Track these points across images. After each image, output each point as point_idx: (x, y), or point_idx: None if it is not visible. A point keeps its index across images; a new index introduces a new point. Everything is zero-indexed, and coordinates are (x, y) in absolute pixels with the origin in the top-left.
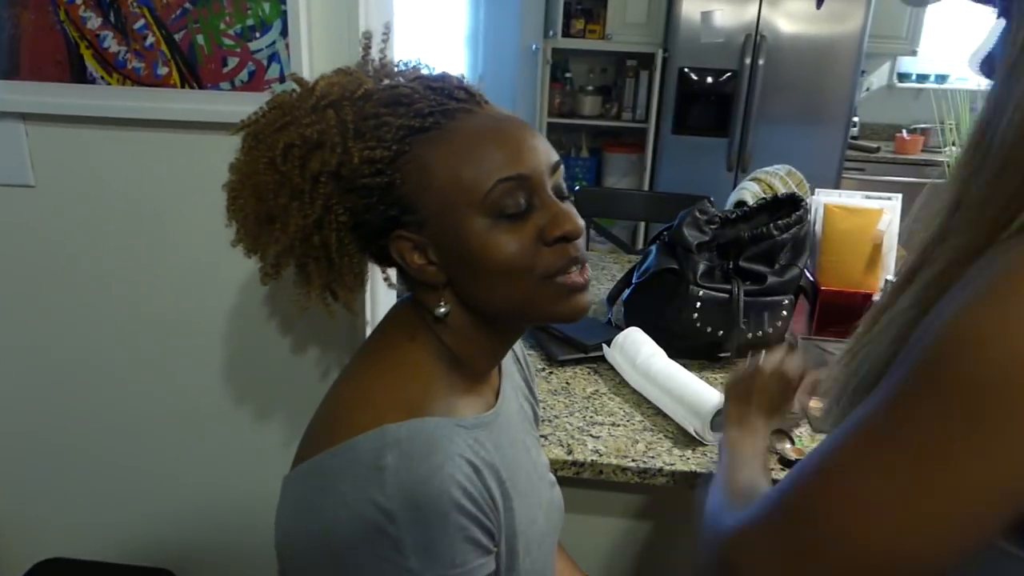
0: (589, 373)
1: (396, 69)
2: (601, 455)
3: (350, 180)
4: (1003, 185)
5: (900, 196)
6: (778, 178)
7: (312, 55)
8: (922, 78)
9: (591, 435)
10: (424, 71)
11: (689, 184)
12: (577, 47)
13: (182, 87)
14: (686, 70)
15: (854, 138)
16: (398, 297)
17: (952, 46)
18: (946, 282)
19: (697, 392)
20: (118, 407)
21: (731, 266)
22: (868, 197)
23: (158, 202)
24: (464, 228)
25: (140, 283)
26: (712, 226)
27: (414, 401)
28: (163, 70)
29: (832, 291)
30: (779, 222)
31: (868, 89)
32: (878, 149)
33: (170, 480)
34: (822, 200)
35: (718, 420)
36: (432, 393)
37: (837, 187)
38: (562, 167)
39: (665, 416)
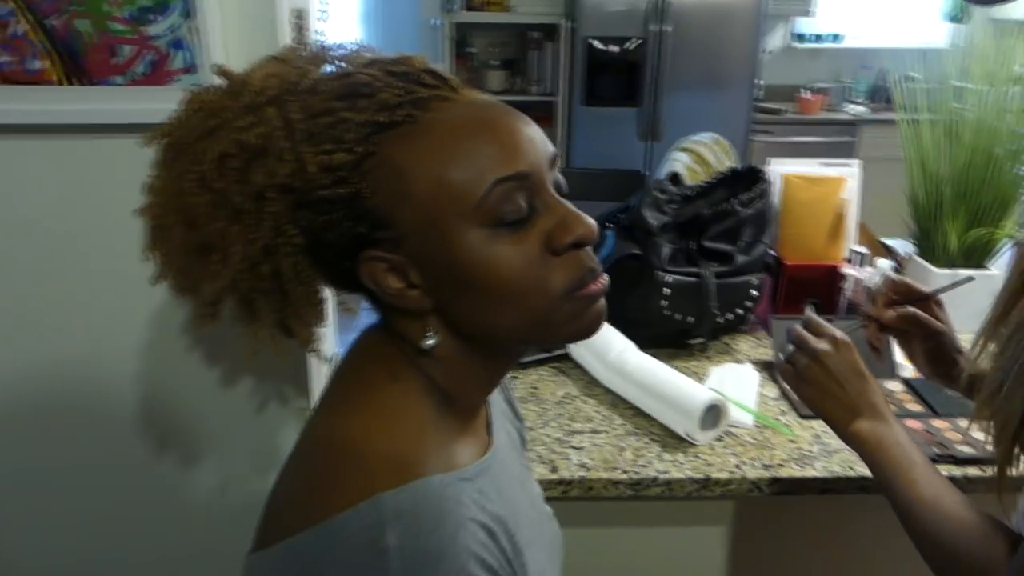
0: (555, 374)
1: (337, 53)
2: (588, 469)
3: (304, 193)
4: None
5: (859, 162)
6: (705, 146)
7: (226, 40)
8: (818, 38)
9: (572, 446)
10: (372, 54)
11: (602, 157)
12: (479, 20)
13: (64, 83)
14: (592, 40)
15: (758, 100)
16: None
17: (846, 6)
18: None
19: (682, 390)
20: (14, 471)
21: (695, 247)
22: (826, 164)
23: (44, 221)
24: (455, 243)
25: (25, 319)
26: (672, 205)
27: (408, 458)
28: (38, 64)
29: (797, 265)
30: (742, 197)
31: (766, 51)
32: (782, 111)
33: (79, 540)
34: (780, 171)
35: (708, 418)
36: (427, 444)
37: (746, 151)
38: (559, 159)
39: (647, 416)
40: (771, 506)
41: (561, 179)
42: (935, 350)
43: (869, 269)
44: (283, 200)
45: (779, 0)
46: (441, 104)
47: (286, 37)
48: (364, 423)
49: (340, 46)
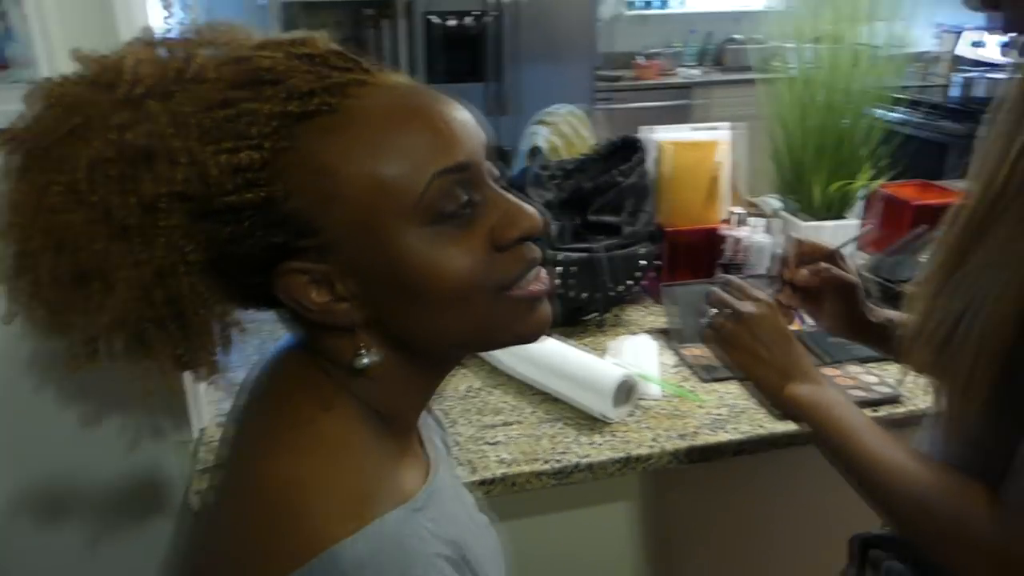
0: (454, 368)
1: (218, 34)
2: (509, 464)
3: (204, 201)
4: None
5: (728, 124)
6: (563, 119)
7: (46, 22)
8: (647, 4)
9: (487, 442)
10: (258, 33)
11: None
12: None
13: None
14: (431, 15)
15: (597, 69)
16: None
17: None
18: None
19: (592, 370)
20: None
21: (580, 222)
22: (696, 129)
23: None
24: (393, 245)
25: None
26: (554, 181)
27: (357, 498)
28: None
29: (678, 231)
30: (622, 167)
31: (599, 20)
32: (621, 78)
33: None
34: (654, 138)
35: (620, 394)
36: (373, 478)
37: (591, 120)
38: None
39: (556, 401)
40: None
41: (493, 167)
42: (845, 303)
43: (747, 229)
44: (178, 211)
45: None
46: (360, 90)
47: (130, 21)
48: (300, 464)
49: (216, 25)
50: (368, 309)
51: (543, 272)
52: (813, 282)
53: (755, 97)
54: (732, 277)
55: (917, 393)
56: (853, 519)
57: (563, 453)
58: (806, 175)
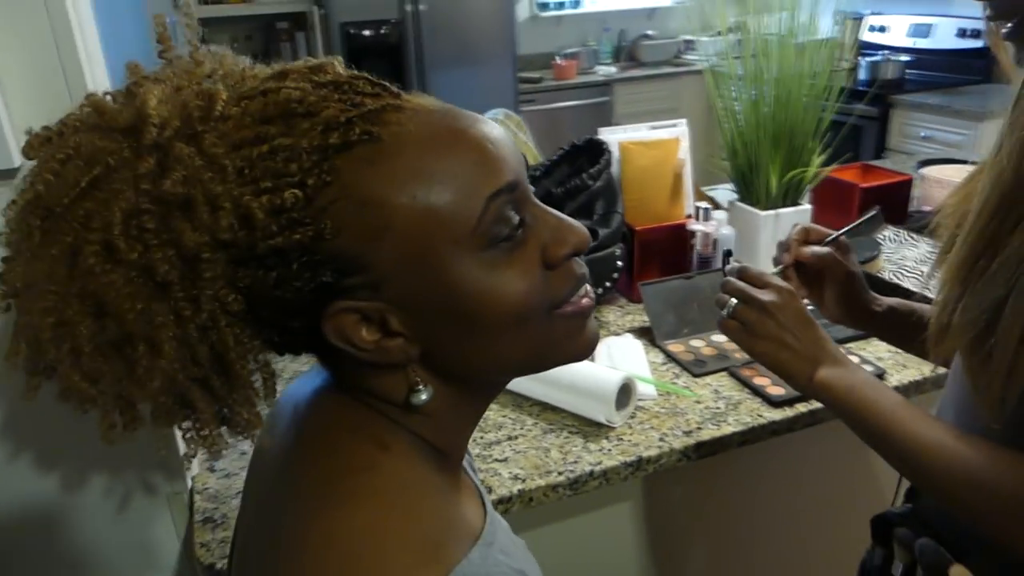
0: None
1: (213, 65)
2: (523, 480)
3: (248, 247)
4: None
5: (684, 120)
6: (499, 123)
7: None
8: (560, 5)
9: (496, 459)
10: (257, 62)
11: None
12: (217, 14)
13: None
14: (347, 25)
15: (518, 71)
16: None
17: None
18: None
19: (591, 376)
20: None
21: None
22: (654, 127)
23: None
24: (451, 275)
25: None
26: None
27: (434, 540)
28: None
29: (646, 229)
30: (591, 170)
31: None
32: (541, 79)
33: None
34: (614, 139)
35: (621, 399)
36: (445, 518)
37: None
38: None
39: (555, 410)
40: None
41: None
42: (847, 292)
43: (713, 222)
44: (221, 260)
45: None
46: (396, 115)
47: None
48: (369, 512)
49: (210, 54)
50: (422, 342)
51: (588, 287)
52: (816, 261)
53: (673, 91)
54: (746, 264)
55: (899, 369)
56: (859, 499)
57: (574, 463)
58: (762, 166)
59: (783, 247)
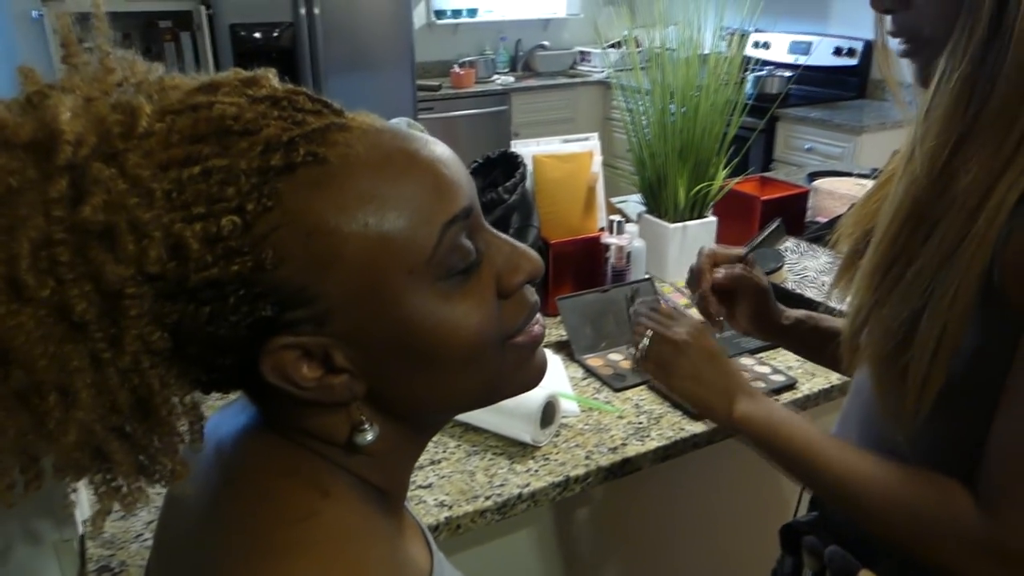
0: None
1: (124, 72)
2: (449, 507)
3: (178, 281)
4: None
5: (596, 134)
6: None
7: None
8: (456, 13)
9: (420, 486)
10: (182, 74)
11: None
12: (90, 10)
13: None
14: (237, 27)
15: (416, 78)
16: None
17: None
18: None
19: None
20: None
21: None
22: (566, 141)
23: None
24: (405, 307)
25: None
26: None
27: None
28: None
29: (561, 243)
30: (507, 184)
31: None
32: (439, 87)
33: None
34: (527, 152)
35: (545, 417)
36: (393, 566)
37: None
38: None
39: (478, 430)
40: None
41: None
42: (758, 306)
43: (626, 236)
44: (147, 295)
45: None
46: (343, 136)
47: None
48: (314, 563)
49: (118, 59)
50: (368, 379)
51: (539, 315)
52: (729, 283)
53: (570, 101)
54: (656, 300)
55: (808, 378)
56: (770, 509)
57: (501, 486)
58: (669, 180)
59: (694, 274)
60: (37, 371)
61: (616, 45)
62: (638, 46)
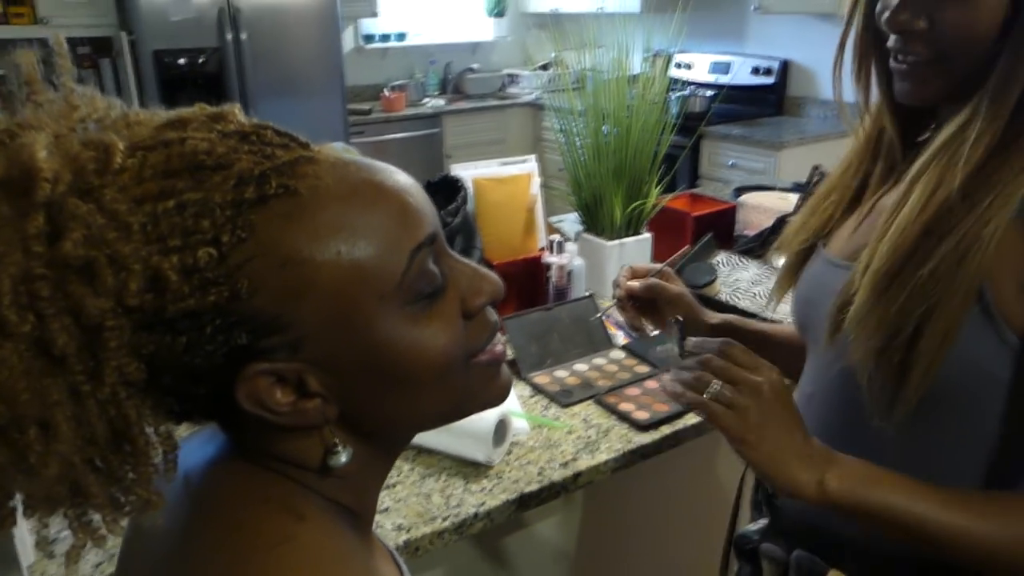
0: None
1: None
2: (407, 530)
3: (155, 312)
4: None
5: (534, 156)
6: None
7: None
8: (385, 38)
9: (378, 511)
10: (139, 108)
11: None
12: (1, 35)
13: None
14: (161, 53)
15: (347, 103)
16: None
17: (407, 6)
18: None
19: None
20: None
21: None
22: (504, 163)
23: None
24: (376, 332)
25: None
26: None
27: None
28: None
29: (503, 264)
30: (449, 207)
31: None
32: (370, 110)
33: None
34: (467, 175)
35: (497, 436)
36: None
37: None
38: None
39: (431, 452)
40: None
41: None
42: (682, 311)
43: (567, 255)
44: (126, 327)
45: (345, 2)
46: (312, 168)
47: None
48: None
49: (80, 95)
50: (340, 402)
51: (500, 334)
52: (646, 292)
53: (500, 123)
54: (730, 342)
55: None
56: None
57: (457, 506)
58: (605, 199)
59: (615, 286)
60: (19, 405)
61: (544, 67)
62: (567, 68)
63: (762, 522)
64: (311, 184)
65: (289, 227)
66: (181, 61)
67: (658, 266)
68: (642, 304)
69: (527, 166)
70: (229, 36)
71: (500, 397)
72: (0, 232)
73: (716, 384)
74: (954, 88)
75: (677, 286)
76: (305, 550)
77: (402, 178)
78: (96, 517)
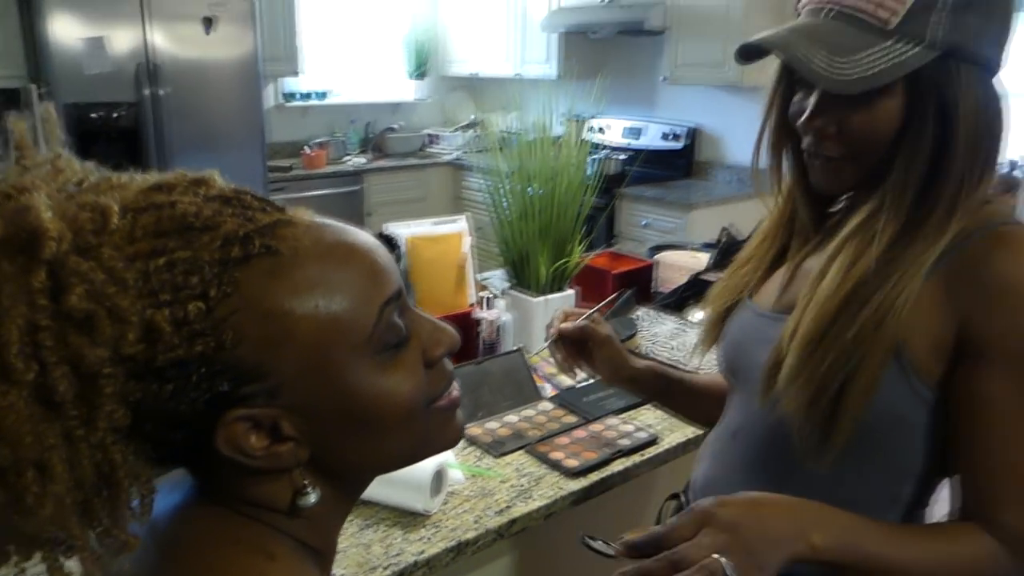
0: None
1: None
2: None
3: (146, 361)
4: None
5: (465, 216)
6: None
7: None
8: (306, 96)
9: None
10: (122, 172)
11: None
12: None
13: None
14: (75, 107)
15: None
16: None
17: (329, 65)
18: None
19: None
20: None
21: None
22: (437, 223)
23: None
24: (348, 380)
25: None
26: None
27: None
28: None
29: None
30: None
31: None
32: (291, 167)
33: None
34: (400, 233)
35: (434, 486)
36: None
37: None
38: None
39: (368, 503)
40: None
41: None
42: (609, 352)
43: (496, 310)
44: (120, 375)
45: (268, 61)
46: (290, 230)
47: None
48: None
49: (62, 160)
50: (311, 445)
51: (455, 382)
52: (577, 333)
53: (421, 181)
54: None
55: (668, 433)
56: None
57: (397, 555)
58: (532, 257)
59: (549, 326)
60: (23, 448)
61: (465, 128)
62: (485, 129)
63: None
64: (290, 244)
65: (271, 283)
66: (94, 115)
67: (589, 311)
68: (573, 346)
69: (459, 225)
70: (147, 91)
71: (455, 440)
72: (4, 287)
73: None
74: (862, 179)
75: (605, 330)
76: None
77: (370, 239)
78: (68, 563)
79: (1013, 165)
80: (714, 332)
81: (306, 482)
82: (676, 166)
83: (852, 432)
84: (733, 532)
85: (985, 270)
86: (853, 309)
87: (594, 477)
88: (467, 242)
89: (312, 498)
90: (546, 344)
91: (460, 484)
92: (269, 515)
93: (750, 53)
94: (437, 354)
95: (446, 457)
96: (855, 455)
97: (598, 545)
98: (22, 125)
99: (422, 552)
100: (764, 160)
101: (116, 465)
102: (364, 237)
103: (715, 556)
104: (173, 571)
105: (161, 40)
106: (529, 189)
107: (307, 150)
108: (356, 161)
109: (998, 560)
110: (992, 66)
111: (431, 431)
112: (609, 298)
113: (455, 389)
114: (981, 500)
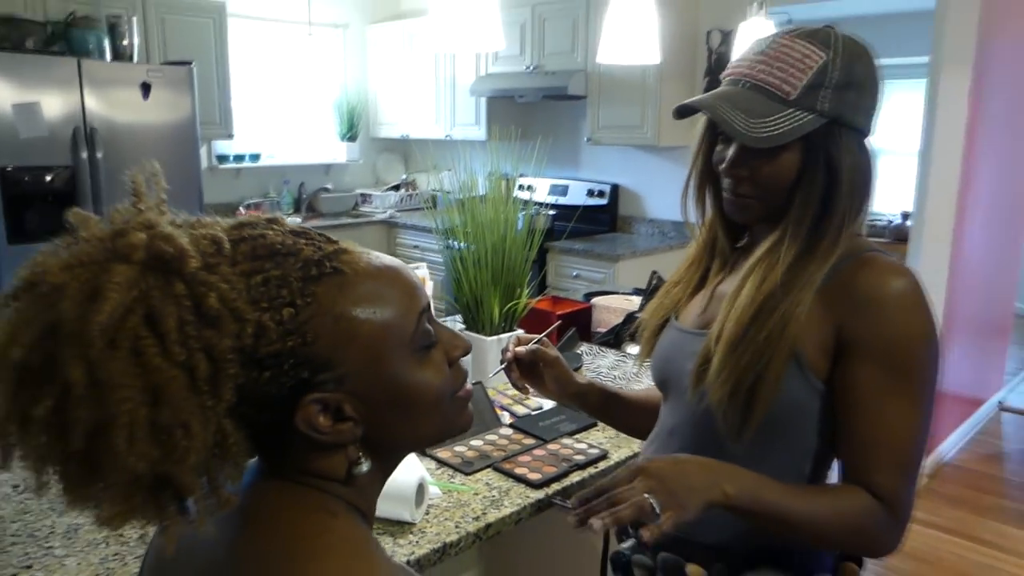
0: None
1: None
2: None
3: (252, 352)
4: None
5: (424, 263)
6: None
7: None
8: (239, 158)
9: None
10: (203, 215)
11: None
12: None
13: None
14: (8, 170)
15: None
16: None
17: (261, 128)
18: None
19: (391, 480)
20: None
21: None
22: None
23: None
24: (396, 371)
25: None
26: None
27: None
28: None
29: None
30: None
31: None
32: None
33: None
34: None
35: (418, 497)
36: (392, 567)
37: None
38: None
39: None
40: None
41: None
42: (557, 372)
43: None
44: (236, 362)
45: (203, 124)
46: (348, 256)
47: None
48: (338, 561)
49: (154, 205)
50: (365, 424)
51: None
52: (528, 355)
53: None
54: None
55: (617, 449)
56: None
57: (390, 557)
58: (485, 301)
59: (504, 351)
60: (179, 411)
61: (396, 188)
62: (415, 189)
63: (631, 541)
64: (351, 267)
65: (340, 295)
66: (27, 179)
67: (538, 336)
68: (526, 368)
69: (419, 272)
70: (84, 154)
71: (468, 424)
72: (153, 293)
73: (650, 498)
74: (769, 213)
75: (554, 352)
76: (342, 536)
77: (404, 265)
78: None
79: (905, 216)
80: (651, 342)
81: (360, 454)
82: (601, 221)
83: (763, 417)
84: (660, 479)
85: (853, 287)
86: (763, 317)
87: (555, 487)
88: (428, 288)
89: (364, 467)
90: (501, 367)
91: (438, 498)
92: (327, 484)
93: (684, 112)
94: (456, 355)
95: (424, 474)
96: (766, 437)
97: (559, 500)
98: (140, 178)
99: (412, 553)
100: (691, 197)
101: (227, 433)
102: (401, 263)
103: (645, 495)
104: (256, 530)
105: (98, 105)
106: (471, 246)
107: (241, 211)
108: (291, 221)
109: (873, 512)
110: (866, 131)
111: (453, 416)
112: (553, 326)
113: (468, 385)
114: (857, 466)
